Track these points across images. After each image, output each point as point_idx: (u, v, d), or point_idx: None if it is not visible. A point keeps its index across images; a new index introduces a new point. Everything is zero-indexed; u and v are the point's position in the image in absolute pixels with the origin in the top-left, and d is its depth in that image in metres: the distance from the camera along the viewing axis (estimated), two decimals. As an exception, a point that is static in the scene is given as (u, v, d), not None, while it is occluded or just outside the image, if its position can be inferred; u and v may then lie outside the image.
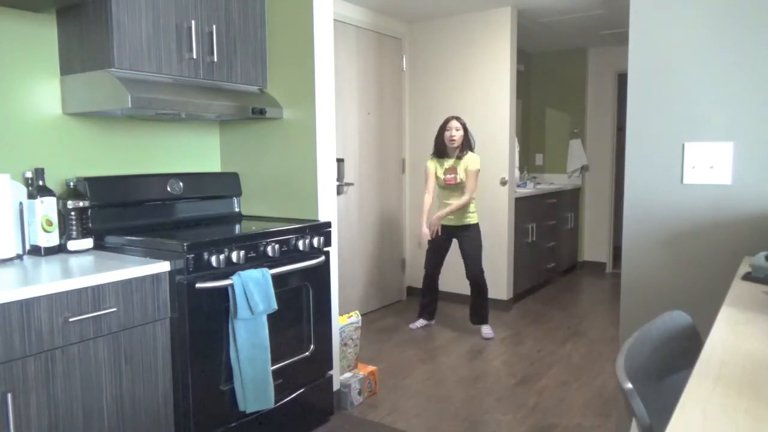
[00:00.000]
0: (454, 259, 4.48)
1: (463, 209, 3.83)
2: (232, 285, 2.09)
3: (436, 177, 3.90)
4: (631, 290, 2.04)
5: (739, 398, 0.78)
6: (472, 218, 3.88)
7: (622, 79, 5.89)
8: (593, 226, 6.17)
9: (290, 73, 2.67)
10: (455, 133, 3.77)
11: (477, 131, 4.63)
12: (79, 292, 1.72)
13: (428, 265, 4.05)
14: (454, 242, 4.04)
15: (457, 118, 3.82)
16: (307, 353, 2.53)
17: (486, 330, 3.98)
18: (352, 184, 4.32)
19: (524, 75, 6.07)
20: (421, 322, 4.20)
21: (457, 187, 3.84)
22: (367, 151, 4.49)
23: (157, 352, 1.96)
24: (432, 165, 3.91)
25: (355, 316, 3.01)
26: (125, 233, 2.29)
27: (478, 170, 3.82)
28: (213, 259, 2.06)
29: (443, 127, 3.82)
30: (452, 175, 3.82)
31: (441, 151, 3.87)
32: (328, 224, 2.59)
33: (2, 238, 1.94)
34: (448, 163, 3.85)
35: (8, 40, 2.12)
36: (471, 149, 3.86)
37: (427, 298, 4.16)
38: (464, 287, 4.76)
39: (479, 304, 3.98)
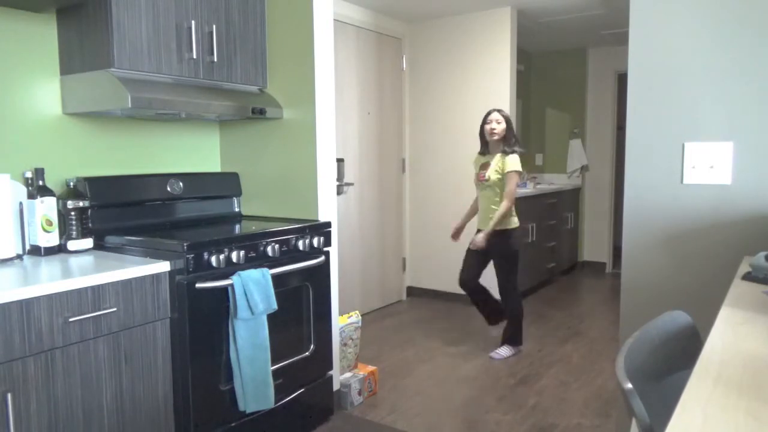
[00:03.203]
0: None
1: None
2: (232, 285, 2.09)
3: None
4: (631, 290, 2.04)
5: (739, 398, 0.78)
6: (505, 223, 3.49)
7: (622, 79, 5.89)
8: (593, 226, 6.17)
9: (290, 73, 2.66)
10: (496, 126, 3.44)
11: (477, 131, 4.62)
12: (79, 292, 1.72)
13: (463, 272, 3.64)
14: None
15: (500, 111, 3.50)
16: (307, 353, 2.53)
17: (503, 351, 3.61)
18: (352, 184, 4.32)
19: (524, 75, 6.06)
20: (507, 350, 3.61)
21: (485, 186, 3.51)
22: (367, 151, 4.49)
23: (157, 352, 1.96)
24: (475, 161, 3.67)
25: (355, 316, 3.01)
26: (125, 233, 2.28)
27: (517, 172, 3.42)
28: (213, 259, 2.06)
29: (484, 120, 3.55)
30: (484, 171, 3.51)
31: (484, 146, 3.61)
32: (328, 224, 2.59)
33: (2, 238, 1.93)
34: (487, 159, 3.55)
35: (8, 40, 2.12)
36: (512, 147, 3.48)
37: (481, 306, 3.69)
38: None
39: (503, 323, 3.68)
